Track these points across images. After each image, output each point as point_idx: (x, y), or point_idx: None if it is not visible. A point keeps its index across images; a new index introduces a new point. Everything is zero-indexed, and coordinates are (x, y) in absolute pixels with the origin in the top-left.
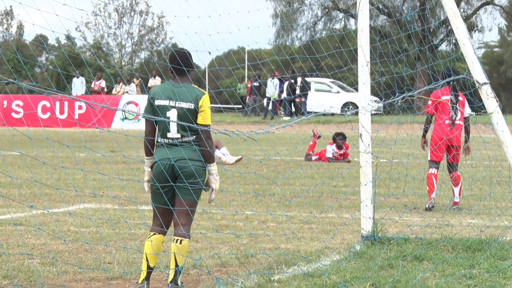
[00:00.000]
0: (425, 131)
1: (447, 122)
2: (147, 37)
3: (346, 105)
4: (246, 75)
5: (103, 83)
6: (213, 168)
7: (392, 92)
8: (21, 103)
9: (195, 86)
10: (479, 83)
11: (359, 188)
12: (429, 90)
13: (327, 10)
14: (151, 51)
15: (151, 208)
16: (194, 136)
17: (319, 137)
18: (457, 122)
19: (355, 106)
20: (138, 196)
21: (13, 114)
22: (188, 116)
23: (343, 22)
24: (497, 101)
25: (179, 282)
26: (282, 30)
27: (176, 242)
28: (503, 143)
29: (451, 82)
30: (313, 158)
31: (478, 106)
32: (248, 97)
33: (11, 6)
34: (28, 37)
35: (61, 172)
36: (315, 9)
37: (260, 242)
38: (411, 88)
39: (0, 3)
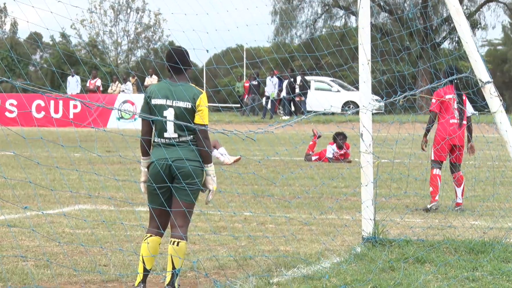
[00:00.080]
0: (428, 130)
1: (452, 121)
2: (143, 35)
3: (346, 104)
4: (244, 73)
5: (98, 82)
6: (211, 168)
7: (394, 91)
8: (15, 102)
9: (193, 85)
10: (482, 82)
11: (359, 189)
12: (431, 89)
13: (327, 7)
14: (147, 49)
15: (148, 209)
16: (192, 136)
17: (319, 137)
18: (458, 121)
19: (356, 105)
20: (134, 197)
21: (7, 114)
22: (186, 116)
23: (343, 20)
24: (501, 100)
25: (176, 285)
26: (281, 28)
27: (173, 244)
28: (507, 142)
29: (454, 81)
30: (313, 158)
31: (481, 105)
32: (247, 96)
33: (4, 3)
34: (22, 34)
35: (55, 173)
36: (315, 6)
37: (259, 244)
38: (413, 87)
39: None
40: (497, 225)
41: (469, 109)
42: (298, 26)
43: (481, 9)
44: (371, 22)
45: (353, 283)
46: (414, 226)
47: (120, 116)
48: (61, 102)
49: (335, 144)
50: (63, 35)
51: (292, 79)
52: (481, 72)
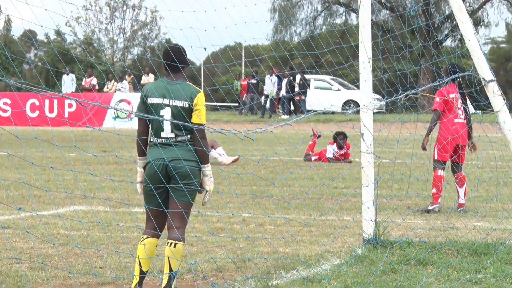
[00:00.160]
0: (430, 130)
1: (455, 120)
2: (140, 33)
3: (347, 103)
4: (243, 71)
5: (94, 80)
6: (208, 169)
7: (395, 89)
8: (8, 101)
9: (190, 83)
10: (486, 81)
11: (360, 189)
12: (433, 88)
13: (327, 4)
14: (144, 47)
15: (144, 210)
16: (189, 136)
17: (319, 136)
18: (463, 121)
19: (357, 104)
20: (130, 198)
21: (1, 113)
22: (183, 115)
23: (344, 17)
24: (504, 99)
25: (173, 287)
26: (280, 25)
27: (170, 245)
28: (510, 142)
29: (456, 79)
30: (313, 158)
31: (484, 104)
32: (245, 95)
33: None
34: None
35: (50, 173)
36: (315, 3)
37: (258, 245)
38: (414, 85)
39: None
40: (501, 227)
41: (470, 108)
42: (297, 24)
43: (484, 6)
44: (372, 20)
45: (353, 285)
46: (415, 228)
47: (116, 115)
48: (56, 101)
49: (335, 144)
50: (58, 32)
51: (291, 78)
52: (484, 71)
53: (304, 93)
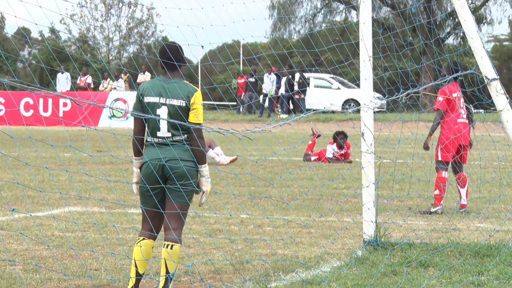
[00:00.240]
0: (433, 130)
1: (458, 120)
2: (136, 30)
3: (347, 102)
4: (241, 70)
5: (89, 79)
6: (205, 169)
7: (396, 88)
8: (2, 100)
9: (187, 82)
10: (488, 79)
11: (360, 190)
12: (435, 86)
13: (327, 2)
14: (140, 45)
15: (140, 211)
16: (186, 135)
17: (318, 136)
18: (466, 120)
19: (357, 103)
20: (126, 198)
21: None
22: (180, 114)
23: (344, 14)
24: (507, 98)
25: None
26: (279, 23)
27: (167, 247)
28: None
29: (458, 78)
30: (312, 158)
31: (487, 103)
32: (244, 94)
33: None
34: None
35: (45, 173)
36: (314, 0)
37: (256, 247)
38: (416, 84)
39: None
40: (504, 228)
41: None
42: (296, 21)
43: (487, 3)
44: (372, 17)
45: None
46: (417, 229)
47: (112, 114)
48: (50, 100)
49: (335, 144)
50: (52, 30)
51: (290, 76)
52: (487, 69)
53: (304, 92)
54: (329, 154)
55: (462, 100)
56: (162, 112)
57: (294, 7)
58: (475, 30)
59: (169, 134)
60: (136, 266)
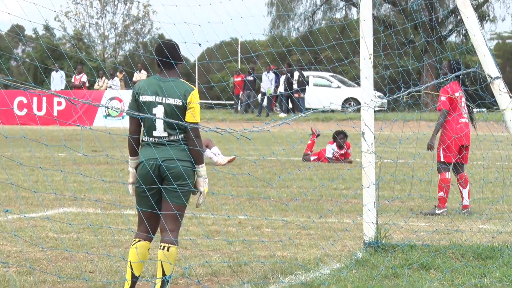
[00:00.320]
0: (437, 130)
1: (460, 120)
2: (132, 28)
3: (347, 101)
4: (239, 68)
5: (84, 77)
6: (202, 169)
7: (397, 87)
8: None
9: (184, 80)
10: (491, 77)
11: (361, 191)
12: (437, 85)
13: None
14: (136, 43)
15: (136, 213)
16: (183, 135)
17: (318, 135)
18: (467, 120)
19: (357, 102)
20: (122, 199)
21: None
22: (176, 113)
23: (344, 11)
24: (510, 97)
25: None
26: (278, 20)
27: (163, 249)
28: None
29: (459, 76)
30: (312, 158)
31: (490, 102)
32: (242, 93)
33: None
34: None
35: (39, 174)
36: None
37: (254, 249)
38: (417, 82)
39: None
40: (507, 229)
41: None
42: (295, 18)
43: (489, 0)
44: (373, 14)
45: None
46: (418, 230)
47: (107, 113)
48: (44, 99)
49: (335, 144)
50: (47, 27)
51: (289, 75)
52: (490, 67)
53: (303, 91)
54: (328, 154)
55: (463, 99)
56: (158, 111)
57: (293, 4)
58: (477, 27)
59: (166, 134)
60: (132, 268)
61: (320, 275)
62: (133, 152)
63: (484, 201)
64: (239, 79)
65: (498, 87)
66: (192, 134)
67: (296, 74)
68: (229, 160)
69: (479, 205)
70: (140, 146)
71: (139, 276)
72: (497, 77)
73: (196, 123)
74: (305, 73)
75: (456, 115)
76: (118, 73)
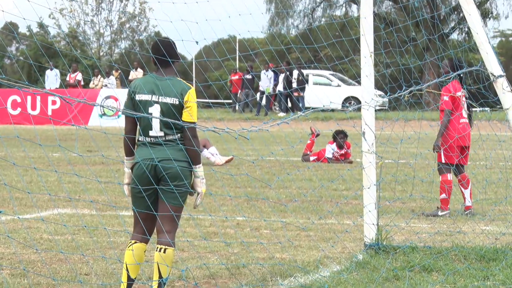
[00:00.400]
0: (443, 131)
1: (461, 120)
2: (127, 25)
3: (347, 100)
4: (237, 66)
5: (79, 76)
6: (200, 170)
7: (399, 85)
8: None
9: (181, 79)
10: (494, 76)
11: (361, 191)
12: (439, 83)
13: None
14: (132, 41)
15: (132, 214)
16: (179, 134)
17: (317, 135)
18: (467, 120)
19: (358, 101)
20: (118, 200)
21: None
22: (173, 112)
23: (344, 9)
24: None
25: None
26: (277, 17)
27: (160, 251)
28: None
29: (460, 75)
30: (311, 158)
31: (493, 101)
32: (240, 91)
33: None
34: None
35: (33, 174)
36: None
37: (253, 251)
38: (419, 81)
39: None
40: (510, 231)
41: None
42: (295, 16)
43: None
44: (374, 11)
45: None
46: (420, 232)
47: (103, 112)
48: (38, 98)
49: (335, 143)
50: (41, 25)
51: (288, 73)
52: (493, 65)
53: (302, 89)
54: (328, 154)
55: (463, 99)
56: (155, 110)
57: (292, 1)
58: (480, 25)
59: (162, 133)
60: (127, 271)
61: (319, 277)
62: (129, 152)
63: (487, 202)
64: (237, 77)
65: (501, 86)
66: (189, 134)
67: (295, 73)
68: (227, 160)
69: (482, 206)
70: (136, 146)
71: (135, 278)
72: (500, 76)
73: (193, 123)
74: (305, 72)
75: (458, 115)
76: (113, 72)
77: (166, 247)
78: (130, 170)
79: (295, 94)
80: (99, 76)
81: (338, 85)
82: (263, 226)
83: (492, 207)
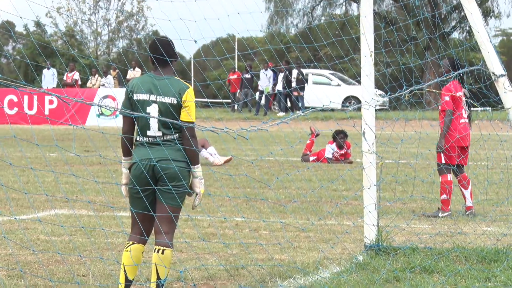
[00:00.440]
0: (446, 132)
1: (461, 120)
2: (125, 24)
3: (347, 99)
4: (236, 66)
5: (76, 75)
6: (198, 170)
7: (399, 85)
8: None
9: (179, 78)
10: (496, 75)
11: (361, 192)
12: (440, 83)
13: None
14: (130, 40)
15: (130, 214)
16: (178, 134)
17: (317, 135)
18: (466, 120)
19: (358, 100)
20: (115, 201)
21: None
22: (171, 112)
23: (344, 7)
24: None
25: None
26: (276, 16)
27: (158, 252)
28: None
29: (460, 75)
30: (311, 158)
31: (494, 101)
32: (239, 91)
33: None
34: None
35: (30, 174)
36: None
37: (252, 252)
38: (420, 80)
39: None
40: None
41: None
42: (294, 14)
43: None
44: (374, 10)
45: None
46: (421, 233)
47: (100, 112)
48: (35, 97)
49: (334, 143)
50: (38, 24)
51: (287, 72)
52: (494, 65)
53: (302, 89)
54: (328, 154)
55: (464, 99)
56: (153, 110)
57: None
58: (481, 23)
59: (160, 133)
60: (125, 272)
61: (319, 279)
62: (127, 152)
63: (489, 202)
64: (235, 76)
65: (503, 85)
66: (187, 134)
67: (294, 72)
68: (225, 160)
69: (483, 206)
70: (134, 146)
71: (133, 279)
72: (502, 75)
73: (192, 122)
74: (304, 71)
75: (458, 115)
76: (111, 71)
77: (164, 248)
78: (128, 170)
79: (295, 93)
80: (97, 75)
81: (338, 85)
82: (262, 227)
83: (494, 208)
